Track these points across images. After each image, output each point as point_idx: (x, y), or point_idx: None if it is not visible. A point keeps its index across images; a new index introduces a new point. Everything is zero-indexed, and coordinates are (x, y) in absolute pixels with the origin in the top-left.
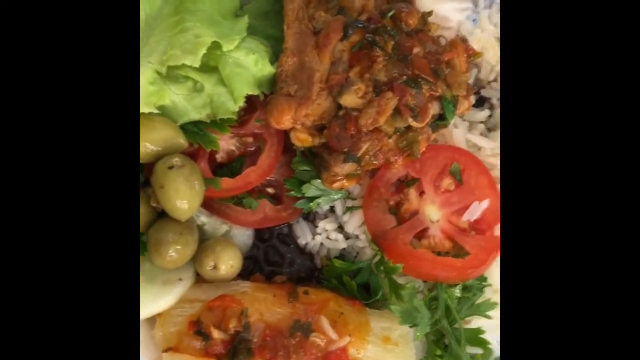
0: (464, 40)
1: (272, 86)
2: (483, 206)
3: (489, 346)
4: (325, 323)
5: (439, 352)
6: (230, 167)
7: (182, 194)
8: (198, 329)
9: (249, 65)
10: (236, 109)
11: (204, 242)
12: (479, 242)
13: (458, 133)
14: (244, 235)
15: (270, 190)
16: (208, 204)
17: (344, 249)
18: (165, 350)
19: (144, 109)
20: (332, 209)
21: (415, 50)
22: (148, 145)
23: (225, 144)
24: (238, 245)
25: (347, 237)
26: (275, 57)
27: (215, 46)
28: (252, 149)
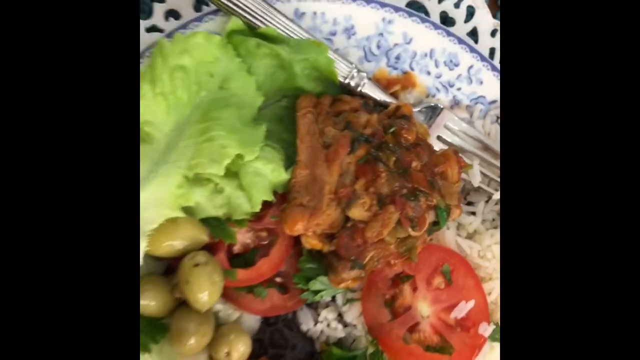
0: (455, 152)
1: (285, 188)
2: (469, 306)
3: None
4: None
5: None
6: (244, 257)
7: (205, 289)
8: None
9: (267, 173)
10: (248, 210)
11: (219, 328)
12: (464, 339)
13: (449, 235)
14: (252, 320)
15: (278, 279)
16: (224, 292)
17: (341, 338)
18: None
19: (170, 212)
20: (333, 299)
21: (414, 164)
22: (174, 243)
23: (242, 237)
24: (246, 329)
25: (345, 325)
26: (288, 160)
27: (238, 155)
28: (265, 242)
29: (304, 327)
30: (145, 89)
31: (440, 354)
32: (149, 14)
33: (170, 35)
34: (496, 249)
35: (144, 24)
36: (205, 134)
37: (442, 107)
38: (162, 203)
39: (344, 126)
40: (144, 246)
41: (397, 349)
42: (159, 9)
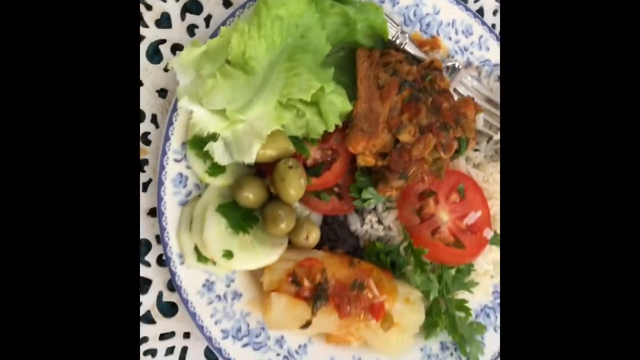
0: (472, 99)
1: (347, 118)
2: (477, 215)
3: (470, 311)
4: (372, 284)
5: (442, 310)
6: (314, 169)
7: (296, 186)
8: (293, 278)
9: (337, 103)
10: (322, 131)
11: (297, 220)
12: (472, 239)
13: (462, 163)
14: (316, 218)
15: (336, 189)
16: None
17: (380, 236)
18: (270, 291)
19: (273, 124)
20: (375, 208)
21: (444, 105)
22: (271, 150)
23: (313, 153)
24: None
25: (383, 227)
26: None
27: (320, 88)
28: (329, 159)
29: (352, 227)
30: (253, 31)
31: (455, 248)
32: None
33: None
34: (496, 176)
35: None
36: (291, 70)
37: (459, 66)
38: (267, 117)
39: (392, 73)
40: (258, 147)
41: (425, 243)
42: None
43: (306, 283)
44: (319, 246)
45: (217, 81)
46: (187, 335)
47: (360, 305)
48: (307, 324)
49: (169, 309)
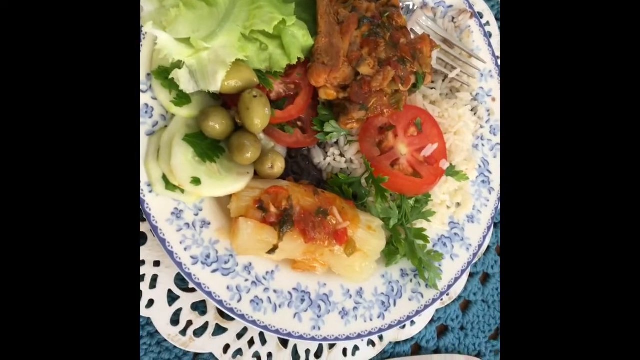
0: (428, 36)
1: (308, 54)
2: (433, 147)
3: (428, 239)
4: (335, 211)
5: (402, 236)
6: (277, 103)
7: (260, 115)
8: (260, 205)
9: (299, 37)
10: (285, 65)
11: (262, 150)
12: (429, 170)
13: (419, 99)
14: (281, 151)
15: (299, 123)
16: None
17: (342, 168)
18: (238, 217)
19: (237, 53)
20: (337, 141)
21: (402, 40)
22: (235, 81)
23: (277, 87)
24: None
25: (345, 160)
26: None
27: (281, 21)
28: (292, 93)
29: (315, 161)
30: None
31: (413, 178)
32: None
33: None
34: (452, 112)
35: None
36: (254, 4)
37: (415, 7)
38: (231, 47)
39: (351, 10)
40: (222, 75)
41: (385, 174)
42: None
43: (272, 209)
44: (283, 177)
45: (181, 11)
46: (157, 263)
47: (324, 230)
48: (274, 249)
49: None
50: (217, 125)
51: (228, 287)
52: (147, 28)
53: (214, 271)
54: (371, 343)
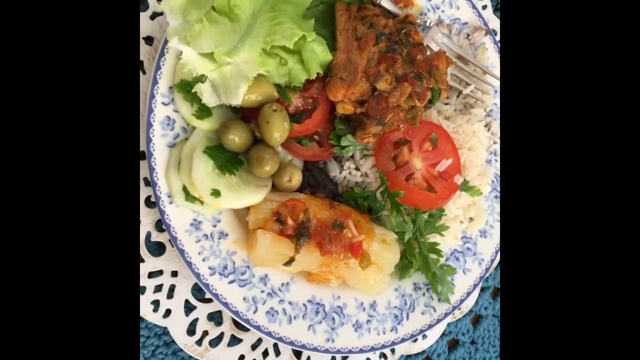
0: (444, 52)
1: (326, 69)
2: (448, 162)
3: (441, 253)
4: (351, 224)
5: (416, 250)
6: (295, 117)
7: (280, 129)
8: (277, 217)
9: (318, 52)
10: (304, 80)
11: (281, 163)
12: (443, 185)
13: (434, 114)
14: (298, 165)
15: (316, 137)
16: None
17: (358, 182)
18: (256, 229)
19: (258, 68)
20: (353, 155)
21: (418, 57)
22: (256, 95)
23: (295, 101)
24: None
25: (361, 174)
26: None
27: (301, 37)
28: (310, 107)
29: (331, 174)
30: None
31: (428, 193)
32: None
33: None
34: (466, 127)
35: None
36: (275, 20)
37: (431, 23)
38: (252, 62)
39: (369, 26)
40: (244, 89)
41: (400, 188)
42: None
43: (290, 221)
44: (300, 190)
45: (204, 26)
46: (174, 274)
47: (340, 243)
48: (290, 261)
49: (156, 249)
50: (236, 138)
51: (244, 299)
52: (173, 43)
53: (230, 282)
54: (383, 356)
